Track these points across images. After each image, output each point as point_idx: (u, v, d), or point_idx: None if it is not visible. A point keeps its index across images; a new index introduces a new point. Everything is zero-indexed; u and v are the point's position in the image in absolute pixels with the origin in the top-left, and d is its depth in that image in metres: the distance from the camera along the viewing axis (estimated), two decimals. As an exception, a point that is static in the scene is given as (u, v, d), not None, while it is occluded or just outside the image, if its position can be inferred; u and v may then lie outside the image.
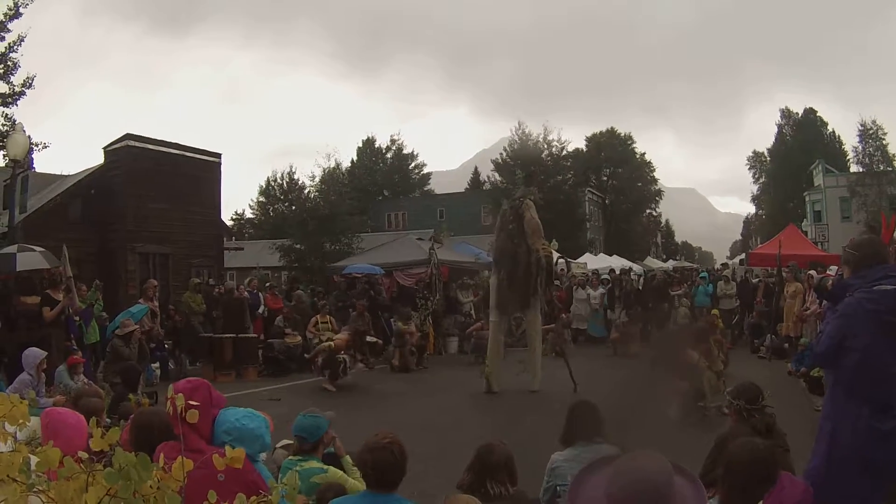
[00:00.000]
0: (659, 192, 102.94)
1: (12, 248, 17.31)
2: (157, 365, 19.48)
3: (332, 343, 18.96)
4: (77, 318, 17.59)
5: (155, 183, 29.20)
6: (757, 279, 29.06)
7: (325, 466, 5.92)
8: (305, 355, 20.28)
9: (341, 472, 5.95)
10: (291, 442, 6.23)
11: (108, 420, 8.33)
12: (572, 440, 6.37)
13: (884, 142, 65.44)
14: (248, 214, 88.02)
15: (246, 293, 24.06)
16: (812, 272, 21.40)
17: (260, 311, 24.40)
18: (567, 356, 18.67)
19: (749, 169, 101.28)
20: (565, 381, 17.48)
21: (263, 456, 5.21)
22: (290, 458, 5.99)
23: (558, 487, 6.08)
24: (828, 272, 21.09)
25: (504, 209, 19.08)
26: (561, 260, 19.99)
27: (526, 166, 69.19)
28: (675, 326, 23.47)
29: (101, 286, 19.82)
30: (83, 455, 2.49)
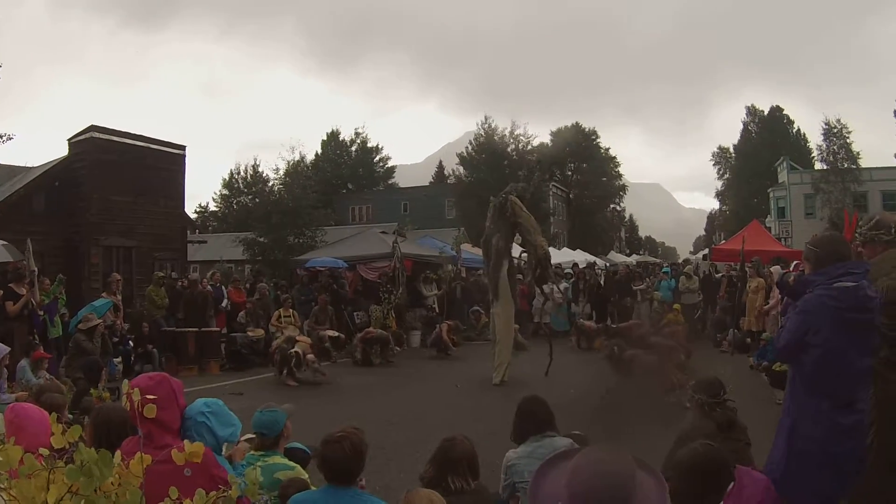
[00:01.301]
0: (623, 187, 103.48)
1: (-25, 242, 17.21)
2: (120, 359, 19.24)
3: (292, 338, 19.02)
4: (42, 313, 17.48)
5: (119, 175, 29.02)
6: (720, 274, 29.20)
7: (292, 464, 5.90)
8: (269, 349, 20.22)
9: (307, 474, 5.94)
10: (254, 436, 6.21)
11: (70, 416, 8.31)
12: (524, 436, 6.36)
13: (848, 140, 66.12)
14: (212, 207, 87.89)
15: (209, 287, 23.95)
16: (777, 267, 21.52)
17: (223, 304, 24.27)
18: (551, 344, 18.77)
19: (714, 165, 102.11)
20: (530, 375, 17.60)
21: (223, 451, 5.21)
22: (252, 453, 5.97)
23: (517, 484, 6.08)
24: (790, 269, 21.26)
25: (492, 204, 19.14)
26: (524, 254, 20.11)
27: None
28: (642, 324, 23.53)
29: (64, 280, 19.63)
30: (45, 452, 2.49)
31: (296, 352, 18.32)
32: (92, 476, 2.40)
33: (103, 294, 20.42)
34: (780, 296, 18.07)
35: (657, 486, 2.86)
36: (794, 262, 20.51)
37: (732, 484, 4.74)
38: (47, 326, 17.78)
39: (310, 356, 18.68)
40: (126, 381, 3.66)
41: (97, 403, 8.51)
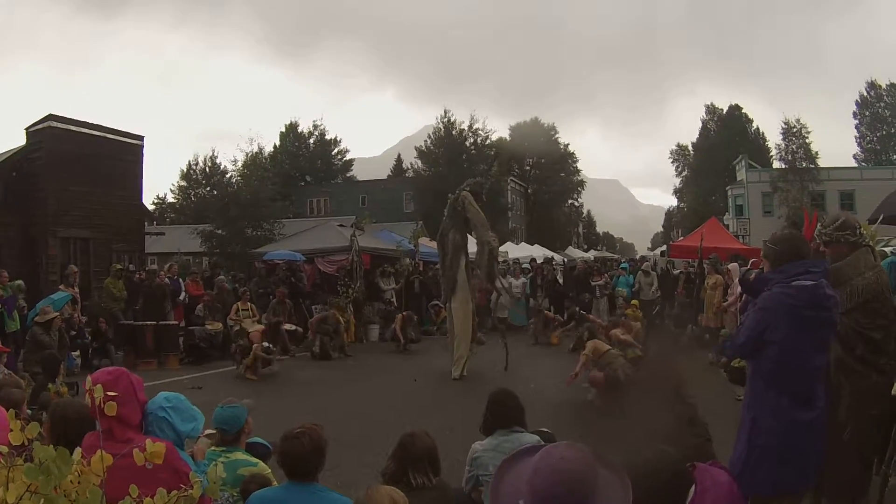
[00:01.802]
0: (581, 183, 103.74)
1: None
2: (78, 353, 19.11)
3: (247, 333, 18.91)
4: (-1, 307, 17.34)
5: (77, 165, 28.85)
6: (678, 271, 29.36)
7: (255, 460, 5.87)
8: (233, 344, 20.05)
9: (269, 470, 5.90)
10: (215, 432, 6.17)
11: (29, 411, 8.22)
12: (492, 429, 6.37)
13: (807, 140, 66.80)
14: (170, 199, 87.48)
15: (167, 279, 23.78)
16: (734, 264, 21.63)
17: (181, 297, 24.11)
18: (506, 339, 18.95)
19: (672, 162, 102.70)
20: (490, 370, 17.66)
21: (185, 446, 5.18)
22: (213, 448, 5.93)
23: (480, 477, 6.10)
24: (748, 266, 21.37)
25: (450, 200, 19.21)
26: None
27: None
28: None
29: (23, 287, 19.35)
30: (3, 449, 2.45)
31: (254, 353, 18.18)
32: (50, 474, 2.36)
33: (61, 286, 20.27)
34: (739, 292, 18.20)
35: (620, 483, 2.86)
36: (752, 260, 20.63)
37: (693, 488, 4.68)
38: (5, 320, 17.62)
39: (258, 347, 18.49)
40: (89, 377, 3.62)
41: (55, 399, 8.41)
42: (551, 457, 2.84)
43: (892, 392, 6.52)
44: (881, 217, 12.18)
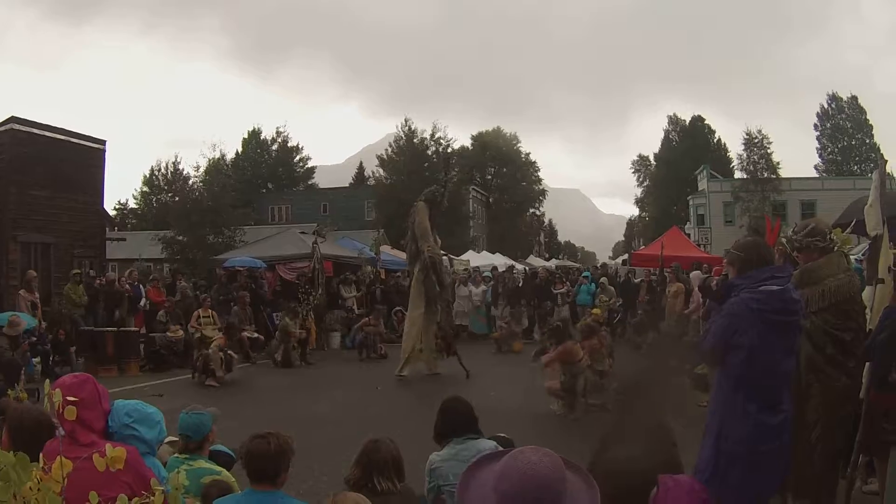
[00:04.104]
0: (543, 192, 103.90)
1: None
2: (38, 359, 18.90)
3: (209, 342, 18.81)
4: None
5: (39, 169, 28.54)
6: (639, 280, 29.44)
7: (219, 468, 5.81)
8: (194, 352, 19.92)
9: (234, 479, 5.84)
10: (176, 439, 6.10)
11: (-12, 419, 8.13)
12: (446, 437, 6.35)
13: (769, 150, 67.26)
14: (132, 205, 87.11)
15: (127, 285, 23.62)
16: (696, 272, 21.72)
17: (141, 303, 23.95)
18: (452, 345, 19.30)
19: (634, 172, 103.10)
20: (451, 378, 17.71)
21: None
22: (176, 455, 5.87)
23: (441, 487, 6.05)
24: (711, 273, 21.45)
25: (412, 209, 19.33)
26: (444, 257, 20.35)
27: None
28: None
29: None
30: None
31: (221, 356, 18.14)
32: (9, 481, 2.31)
33: (21, 291, 20.08)
34: (700, 300, 18.26)
35: (587, 487, 2.84)
36: (715, 268, 20.71)
37: (655, 490, 4.66)
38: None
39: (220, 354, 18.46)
40: (47, 381, 3.57)
41: (14, 405, 8.33)
42: (518, 461, 2.81)
43: (860, 395, 6.59)
44: (854, 222, 12.28)
